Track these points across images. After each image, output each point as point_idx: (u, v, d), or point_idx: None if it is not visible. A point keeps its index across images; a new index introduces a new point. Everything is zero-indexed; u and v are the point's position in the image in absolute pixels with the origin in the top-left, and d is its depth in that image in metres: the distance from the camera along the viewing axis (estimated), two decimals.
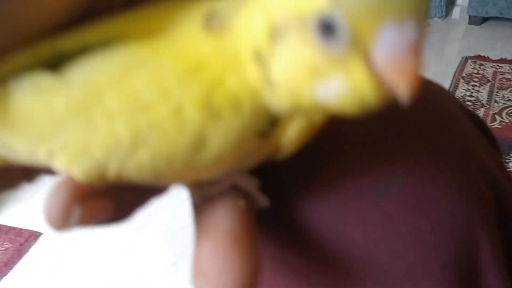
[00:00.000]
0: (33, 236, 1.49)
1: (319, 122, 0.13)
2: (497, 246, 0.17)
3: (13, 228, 1.54)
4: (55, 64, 0.12)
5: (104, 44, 0.12)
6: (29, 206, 1.65)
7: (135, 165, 0.12)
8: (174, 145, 0.12)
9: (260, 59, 0.11)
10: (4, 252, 1.43)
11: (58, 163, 0.13)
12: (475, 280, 0.16)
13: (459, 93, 1.89)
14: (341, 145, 0.17)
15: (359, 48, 0.10)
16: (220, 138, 0.12)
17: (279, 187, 0.17)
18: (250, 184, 0.15)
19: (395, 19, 0.09)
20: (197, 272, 0.14)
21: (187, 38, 0.12)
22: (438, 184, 0.16)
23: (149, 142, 0.12)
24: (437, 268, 0.16)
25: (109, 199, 0.14)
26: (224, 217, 0.14)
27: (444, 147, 0.17)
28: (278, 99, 0.11)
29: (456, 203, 0.16)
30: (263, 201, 0.15)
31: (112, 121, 0.12)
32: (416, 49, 0.10)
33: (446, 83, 2.00)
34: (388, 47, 0.10)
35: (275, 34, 0.11)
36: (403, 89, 0.10)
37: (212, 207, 0.15)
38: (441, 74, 2.06)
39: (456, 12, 2.95)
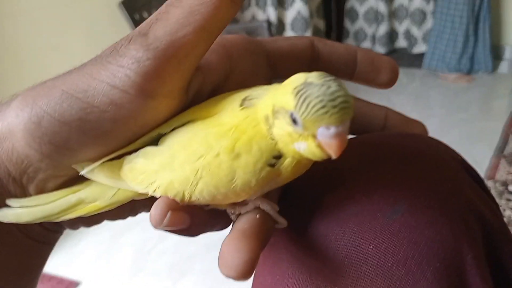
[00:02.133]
0: (72, 285, 1.50)
1: (306, 161, 0.21)
2: (481, 260, 0.23)
3: (55, 277, 1.55)
4: (158, 140, 0.22)
5: (184, 124, 0.22)
6: (70, 256, 1.67)
7: (198, 192, 0.21)
8: (217, 177, 0.20)
9: (268, 122, 0.20)
10: None
11: (158, 194, 0.22)
12: (463, 286, 0.22)
13: (510, 148, 1.82)
14: (359, 183, 0.24)
15: (310, 132, 0.18)
16: (243, 169, 0.20)
17: (306, 214, 0.24)
18: (270, 208, 0.22)
19: (324, 125, 0.18)
20: (220, 254, 0.21)
21: (228, 113, 0.21)
22: (432, 212, 0.23)
23: (203, 177, 0.21)
24: (430, 273, 0.22)
25: (187, 215, 0.21)
26: (243, 222, 0.22)
27: (438, 186, 0.24)
28: (277, 144, 0.20)
29: (446, 226, 0.23)
30: (282, 222, 0.23)
31: (183, 167, 0.21)
32: (337, 136, 0.18)
33: (495, 138, 1.93)
34: (322, 135, 0.18)
35: (275, 112, 0.19)
36: (331, 154, 0.18)
37: (239, 218, 0.22)
38: (490, 129, 1.99)
39: (503, 67, 2.89)
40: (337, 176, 0.25)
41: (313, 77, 0.18)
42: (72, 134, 0.20)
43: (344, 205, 0.23)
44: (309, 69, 0.21)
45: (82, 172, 0.22)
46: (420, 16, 3.04)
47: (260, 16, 2.71)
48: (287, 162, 0.20)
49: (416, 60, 3.03)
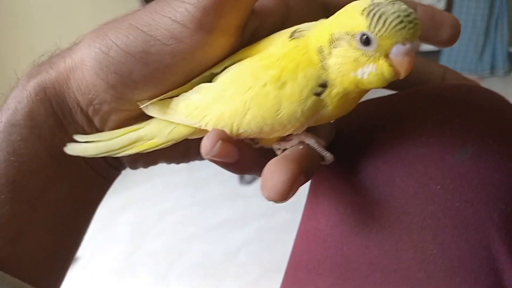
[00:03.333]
0: None
1: (354, 95, 0.21)
2: None
3: None
4: (211, 79, 0.23)
5: (235, 63, 0.23)
6: None
7: (246, 123, 0.22)
8: (264, 108, 0.21)
9: (322, 53, 0.20)
10: None
11: (209, 127, 0.23)
12: None
13: None
14: (426, 126, 0.24)
15: (382, 51, 0.19)
16: (288, 99, 0.21)
17: (367, 157, 0.25)
18: (315, 141, 0.22)
19: (399, 41, 0.19)
20: (261, 178, 0.21)
21: (277, 45, 0.22)
22: (500, 156, 0.23)
23: (252, 108, 0.21)
24: (497, 215, 0.22)
25: (236, 148, 0.22)
26: (287, 151, 0.22)
27: (505, 132, 0.24)
28: (328, 74, 0.20)
29: (509, 172, 0.23)
30: (328, 156, 0.23)
31: (233, 99, 0.22)
32: (410, 53, 0.19)
33: None
34: (396, 53, 0.19)
35: (334, 40, 0.20)
36: (402, 72, 0.19)
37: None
38: None
39: None
40: (401, 121, 0.25)
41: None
42: (136, 65, 0.21)
43: (410, 147, 0.24)
44: None
45: (142, 106, 0.23)
46: None
47: None
48: (334, 92, 0.21)
49: (430, 58, 3.00)
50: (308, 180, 0.22)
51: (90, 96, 0.23)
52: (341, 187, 0.25)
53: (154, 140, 0.24)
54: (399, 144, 0.24)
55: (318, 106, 0.21)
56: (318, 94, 0.21)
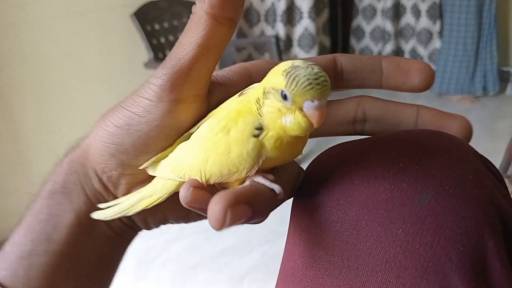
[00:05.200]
0: None
1: (286, 139, 0.24)
2: (501, 247, 0.25)
3: None
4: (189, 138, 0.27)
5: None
6: None
7: (209, 169, 0.25)
8: (219, 153, 0.25)
9: (258, 102, 0.24)
10: None
11: (187, 177, 0.26)
12: (484, 270, 0.24)
13: None
14: (388, 174, 0.26)
15: (297, 105, 0.22)
16: (234, 142, 0.24)
17: (337, 203, 0.26)
18: (262, 178, 0.25)
19: (309, 99, 0.22)
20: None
21: (228, 102, 0.26)
22: (456, 201, 0.25)
23: (210, 155, 0.25)
24: (455, 256, 0.24)
25: (209, 194, 0.24)
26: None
27: (462, 178, 0.26)
28: (263, 120, 0.24)
29: (469, 214, 0.25)
30: (276, 188, 0.25)
31: (199, 151, 0.26)
32: (319, 108, 0.22)
33: (498, 159, 1.94)
34: (306, 107, 0.22)
35: (266, 93, 0.24)
36: (314, 123, 0.23)
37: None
38: (493, 150, 1.99)
39: (510, 88, 2.91)
40: (366, 168, 0.27)
41: (298, 62, 0.23)
42: (124, 136, 0.27)
43: (374, 193, 0.26)
44: (333, 82, 0.26)
45: (142, 167, 0.28)
46: (426, 36, 3.08)
47: (269, 31, 2.76)
48: (269, 135, 0.24)
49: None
50: (260, 215, 0.24)
51: (102, 165, 0.28)
52: (313, 230, 0.27)
53: (152, 197, 0.28)
54: (365, 189, 0.26)
55: (259, 147, 0.24)
56: (256, 136, 0.24)
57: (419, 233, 0.24)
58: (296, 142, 0.25)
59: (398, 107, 0.30)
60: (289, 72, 0.22)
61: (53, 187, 0.29)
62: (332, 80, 0.27)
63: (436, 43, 3.05)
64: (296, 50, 2.81)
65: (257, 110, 0.24)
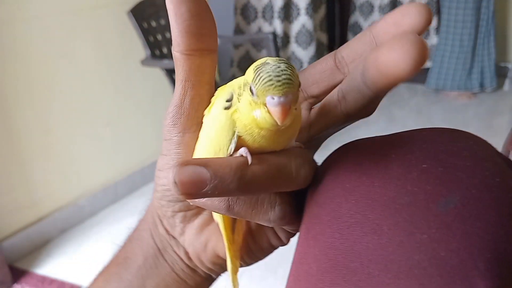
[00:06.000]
0: None
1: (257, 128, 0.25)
2: None
3: (56, 281, 1.57)
4: None
5: None
6: (73, 260, 1.68)
7: (201, 148, 0.27)
8: (203, 136, 0.27)
9: (239, 89, 0.25)
10: None
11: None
12: None
13: None
14: (411, 175, 0.25)
15: (261, 101, 0.23)
16: (212, 118, 0.26)
17: (357, 205, 0.25)
18: (244, 149, 0.25)
19: (270, 95, 0.23)
20: None
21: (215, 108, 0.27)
22: (483, 205, 0.24)
23: (199, 144, 0.27)
24: (482, 264, 0.23)
25: (202, 167, 0.24)
26: None
27: (488, 180, 0.25)
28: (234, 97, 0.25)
29: (496, 219, 0.24)
30: (243, 152, 0.25)
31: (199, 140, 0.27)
32: (279, 105, 0.23)
33: None
34: (268, 103, 0.23)
35: (244, 85, 0.24)
36: (277, 120, 0.23)
37: None
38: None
39: (507, 84, 2.92)
40: (387, 169, 0.26)
41: (271, 59, 0.23)
42: (159, 182, 0.30)
43: (396, 196, 0.24)
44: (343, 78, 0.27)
45: (191, 202, 0.29)
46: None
47: (266, 28, 2.75)
48: (239, 119, 0.25)
49: (418, 76, 3.06)
50: (228, 181, 0.24)
51: (159, 210, 0.31)
52: (329, 233, 0.26)
53: (220, 224, 0.30)
54: (386, 192, 0.25)
55: (231, 119, 0.25)
56: (227, 108, 0.25)
57: (444, 239, 0.23)
58: (275, 133, 0.25)
59: (358, 36, 0.28)
60: (257, 68, 0.23)
61: (131, 233, 0.34)
62: (333, 77, 0.28)
63: (433, 39, 3.05)
64: (293, 46, 2.81)
65: (238, 96, 0.25)
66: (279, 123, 0.23)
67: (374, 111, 0.27)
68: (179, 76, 0.27)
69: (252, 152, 0.25)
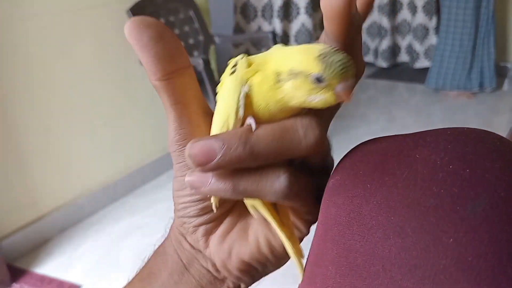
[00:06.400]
0: None
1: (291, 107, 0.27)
2: None
3: (55, 280, 1.57)
4: None
5: None
6: (72, 259, 1.68)
7: (218, 116, 0.28)
8: (221, 98, 0.27)
9: (279, 78, 0.26)
10: None
11: None
12: None
13: None
14: (437, 177, 0.24)
15: (331, 87, 0.25)
16: (222, 91, 0.28)
17: (379, 207, 0.25)
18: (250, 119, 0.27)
19: (341, 81, 0.25)
20: None
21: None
22: (510, 210, 0.23)
23: (219, 100, 0.28)
24: (511, 270, 0.22)
25: (212, 139, 0.26)
26: None
27: None
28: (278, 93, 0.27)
29: None
30: (251, 122, 0.27)
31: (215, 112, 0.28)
32: (350, 87, 0.25)
33: None
34: (339, 88, 0.25)
35: (291, 73, 0.26)
36: (347, 99, 0.26)
37: None
38: None
39: (506, 84, 2.92)
40: (411, 169, 0.25)
41: (327, 48, 0.26)
42: (181, 194, 0.31)
43: (421, 198, 0.24)
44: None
45: (214, 210, 0.30)
46: (423, 32, 3.07)
47: (266, 27, 2.75)
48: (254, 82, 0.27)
49: (418, 75, 3.06)
50: (234, 147, 0.26)
51: (181, 226, 0.32)
52: (349, 236, 0.25)
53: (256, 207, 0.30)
54: (410, 193, 0.24)
55: (237, 80, 0.27)
56: (233, 72, 0.27)
57: (472, 243, 0.22)
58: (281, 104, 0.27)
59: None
60: (324, 58, 0.25)
61: (156, 249, 0.35)
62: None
63: (432, 39, 3.05)
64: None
65: (277, 79, 0.26)
66: (348, 101, 0.26)
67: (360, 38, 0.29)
68: (166, 102, 0.28)
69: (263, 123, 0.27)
